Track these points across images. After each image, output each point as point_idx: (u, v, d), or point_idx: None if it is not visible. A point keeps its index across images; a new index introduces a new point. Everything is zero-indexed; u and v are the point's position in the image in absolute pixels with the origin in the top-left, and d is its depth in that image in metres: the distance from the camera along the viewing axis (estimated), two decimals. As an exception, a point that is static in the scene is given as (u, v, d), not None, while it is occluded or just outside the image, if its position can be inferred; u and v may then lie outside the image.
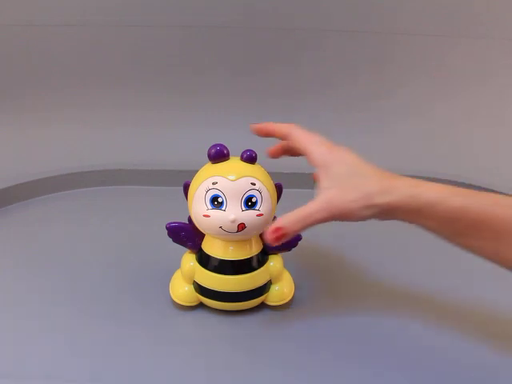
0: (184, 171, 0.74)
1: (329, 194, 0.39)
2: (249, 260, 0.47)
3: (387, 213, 0.39)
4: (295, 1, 0.77)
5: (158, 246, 0.61)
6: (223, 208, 0.44)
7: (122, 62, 0.81)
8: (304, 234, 0.47)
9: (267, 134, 0.46)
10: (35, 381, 0.42)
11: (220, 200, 0.43)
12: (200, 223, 0.46)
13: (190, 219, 0.48)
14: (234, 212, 0.43)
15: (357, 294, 0.53)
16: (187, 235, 0.48)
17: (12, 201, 0.69)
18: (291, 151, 0.47)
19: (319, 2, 0.77)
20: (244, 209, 0.44)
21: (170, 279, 0.53)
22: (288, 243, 0.48)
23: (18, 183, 0.70)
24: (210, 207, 0.44)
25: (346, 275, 0.56)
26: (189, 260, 0.49)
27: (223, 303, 0.48)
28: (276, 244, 0.40)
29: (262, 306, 0.50)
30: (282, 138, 0.45)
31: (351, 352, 0.45)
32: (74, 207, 0.70)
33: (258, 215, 0.44)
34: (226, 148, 0.45)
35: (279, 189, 0.48)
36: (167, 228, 0.48)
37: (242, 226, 0.44)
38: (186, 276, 0.49)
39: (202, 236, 0.48)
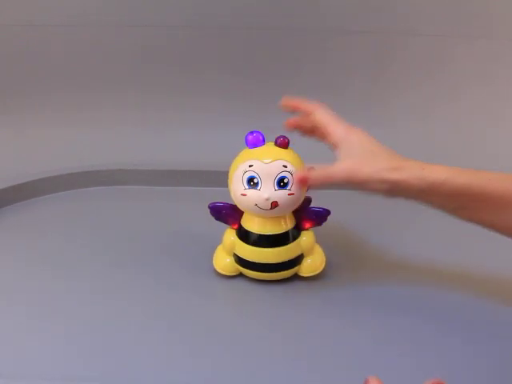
0: (184, 171, 0.74)
1: (349, 163, 0.45)
2: (283, 234, 0.52)
3: (395, 190, 0.44)
4: (295, 1, 0.77)
5: (159, 246, 0.61)
6: (258, 188, 0.49)
7: (122, 62, 0.80)
8: (334, 216, 0.54)
9: (294, 109, 0.51)
10: (35, 381, 0.42)
11: (255, 181, 0.49)
12: (238, 201, 0.51)
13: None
14: (267, 191, 0.49)
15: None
16: (228, 213, 0.54)
17: (12, 201, 0.69)
18: (304, 128, 0.52)
19: (319, 2, 0.77)
20: (277, 188, 0.49)
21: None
22: (319, 218, 0.54)
23: (17, 183, 0.70)
24: (246, 187, 0.49)
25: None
26: (230, 235, 0.54)
27: (260, 273, 0.53)
28: (300, 185, 0.49)
29: (295, 277, 0.55)
30: (306, 114, 0.50)
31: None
32: (74, 207, 0.70)
33: (289, 194, 0.49)
34: (262, 135, 0.50)
35: (308, 202, 0.54)
36: (210, 207, 0.54)
37: (274, 204, 0.49)
38: (227, 249, 0.54)
39: (241, 214, 0.53)
